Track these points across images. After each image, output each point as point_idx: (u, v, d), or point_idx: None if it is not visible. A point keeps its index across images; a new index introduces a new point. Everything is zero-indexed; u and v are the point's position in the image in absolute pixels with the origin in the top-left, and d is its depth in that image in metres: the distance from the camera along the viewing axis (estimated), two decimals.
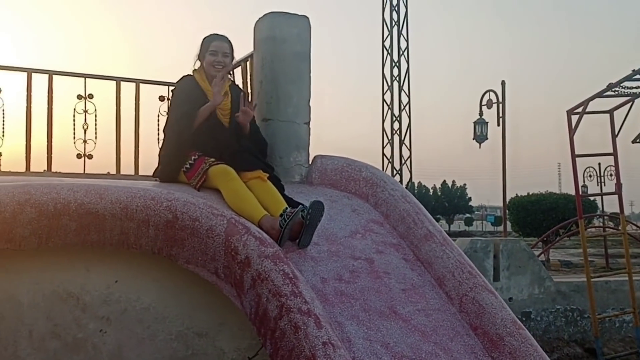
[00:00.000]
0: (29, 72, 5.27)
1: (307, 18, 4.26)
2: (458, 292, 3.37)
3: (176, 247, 3.27)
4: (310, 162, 4.24)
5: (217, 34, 3.93)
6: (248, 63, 4.70)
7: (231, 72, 4.29)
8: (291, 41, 4.16)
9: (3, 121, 5.27)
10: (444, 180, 66.67)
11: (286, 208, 3.41)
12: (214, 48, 3.85)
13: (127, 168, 5.64)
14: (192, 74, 3.94)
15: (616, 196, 7.66)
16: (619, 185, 7.73)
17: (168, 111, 4.00)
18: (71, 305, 3.38)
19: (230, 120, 3.85)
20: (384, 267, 3.48)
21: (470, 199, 67.43)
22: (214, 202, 3.44)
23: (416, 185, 65.09)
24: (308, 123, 4.23)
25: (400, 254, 3.63)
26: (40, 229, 3.02)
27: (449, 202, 64.49)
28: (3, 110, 5.24)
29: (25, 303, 3.29)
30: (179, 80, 3.94)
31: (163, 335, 3.56)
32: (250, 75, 4.53)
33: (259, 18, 4.28)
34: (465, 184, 66.57)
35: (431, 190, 66.57)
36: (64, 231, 3.08)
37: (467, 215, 70.47)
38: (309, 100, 4.23)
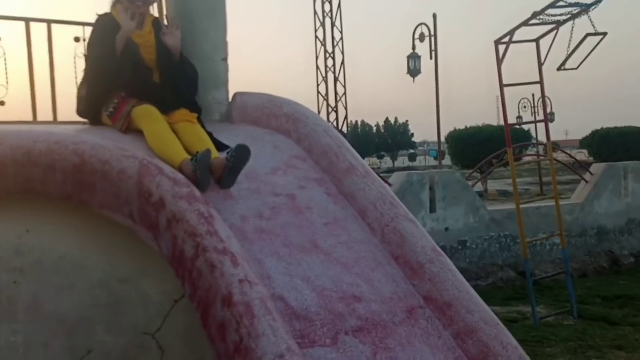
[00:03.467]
0: None
1: None
2: (380, 223, 3.38)
3: (87, 192, 3.14)
4: (230, 100, 4.12)
5: None
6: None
7: (153, 7, 4.08)
8: None
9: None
10: (387, 118, 67.36)
11: (197, 152, 3.29)
12: None
13: (45, 114, 5.39)
14: (109, 11, 3.73)
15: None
16: (545, 113, 7.89)
17: (86, 52, 3.78)
18: None
19: (156, 58, 3.68)
20: (306, 202, 3.45)
21: (412, 134, 68.45)
22: (135, 145, 3.31)
23: (359, 123, 65.68)
24: (225, 59, 4.07)
25: (322, 188, 3.60)
26: None
27: (392, 138, 65.30)
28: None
29: None
30: (96, 20, 3.72)
31: (83, 283, 3.45)
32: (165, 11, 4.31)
33: None
34: (407, 121, 67.49)
35: (374, 128, 67.14)
36: None
37: (411, 150, 71.63)
38: (225, 36, 4.07)
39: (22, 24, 5.22)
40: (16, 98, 5.37)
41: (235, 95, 4.09)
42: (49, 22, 5.28)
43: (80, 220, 3.36)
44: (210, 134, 3.60)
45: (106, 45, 3.54)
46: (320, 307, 2.82)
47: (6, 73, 5.21)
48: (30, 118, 5.30)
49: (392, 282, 3.15)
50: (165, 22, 4.03)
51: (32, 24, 5.23)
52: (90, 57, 3.68)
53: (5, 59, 5.20)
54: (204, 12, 3.97)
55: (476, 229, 9.60)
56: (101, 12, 3.76)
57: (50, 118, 5.29)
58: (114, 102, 3.54)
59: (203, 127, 3.66)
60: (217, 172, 3.35)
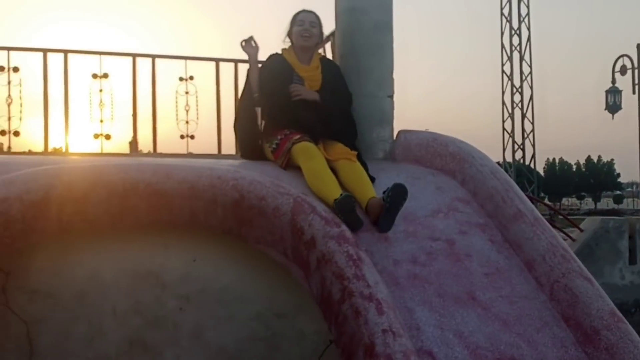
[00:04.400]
0: (134, 56, 5.47)
1: None
2: (549, 278, 3.02)
3: (245, 226, 3.21)
4: (394, 138, 4.02)
5: (304, 9, 3.87)
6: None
7: (324, 48, 4.19)
8: (371, 11, 3.94)
9: (112, 105, 5.54)
10: (589, 156, 62.43)
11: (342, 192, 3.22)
12: (301, 18, 3.83)
13: (229, 148, 5.73)
14: (280, 52, 3.89)
15: None
16: None
17: (244, 89, 3.97)
18: (151, 283, 3.45)
19: (322, 95, 3.75)
20: (466, 249, 3.20)
21: (619, 175, 62.65)
22: (293, 182, 3.35)
23: (557, 161, 61.69)
24: (391, 96, 3.99)
25: (486, 234, 3.33)
26: (111, 209, 3.09)
27: (594, 178, 60.34)
28: (111, 94, 5.50)
29: (108, 281, 3.40)
30: (267, 58, 3.90)
31: (242, 315, 3.53)
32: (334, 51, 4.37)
33: None
34: (612, 159, 61.94)
35: (574, 167, 62.65)
36: (134, 211, 3.13)
37: (617, 192, 65.60)
38: (392, 72, 3.99)
39: (213, 64, 5.64)
40: (205, 132, 5.80)
41: (399, 133, 3.99)
42: (236, 61, 5.65)
43: (241, 253, 3.45)
44: (368, 173, 3.53)
45: (273, 85, 3.67)
46: None
47: (197, 109, 5.65)
48: (215, 151, 5.69)
49: (561, 347, 2.77)
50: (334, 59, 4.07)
51: (222, 64, 5.64)
52: (261, 93, 3.82)
53: (197, 97, 5.65)
54: (370, 48, 3.94)
55: None
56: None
57: (233, 152, 5.63)
58: (277, 138, 3.62)
59: (364, 165, 3.59)
60: (373, 213, 3.25)
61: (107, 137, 5.44)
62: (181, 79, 5.60)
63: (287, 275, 3.40)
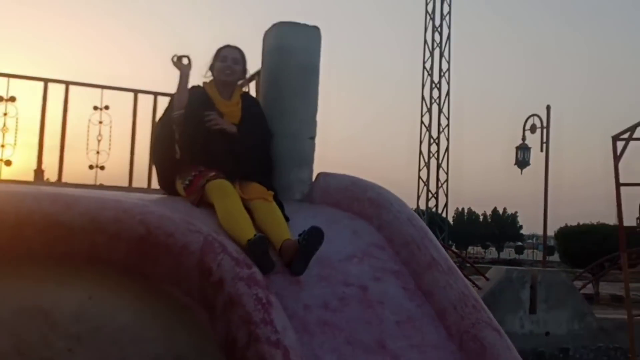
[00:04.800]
0: (46, 81, 5.19)
1: (318, 28, 4.01)
2: (459, 328, 3.00)
3: (150, 263, 3.03)
4: (313, 180, 3.95)
5: (228, 44, 3.78)
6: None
7: (247, 86, 4.10)
8: (298, 52, 3.91)
9: (17, 130, 5.20)
10: (495, 208, 65.15)
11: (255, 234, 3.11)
12: (224, 54, 3.73)
13: (140, 181, 5.49)
14: (201, 84, 3.77)
15: None
16: None
17: (160, 119, 3.81)
18: (39, 321, 3.16)
19: (240, 132, 3.63)
20: (379, 296, 3.15)
21: (521, 227, 65.64)
22: (205, 220, 3.20)
23: (466, 211, 64.01)
24: (313, 138, 3.95)
25: (400, 282, 3.29)
26: (0, 241, 2.82)
27: (499, 229, 62.93)
28: (17, 119, 5.17)
29: None
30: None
31: (138, 358, 3.29)
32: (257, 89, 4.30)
33: (268, 28, 4.06)
34: (516, 212, 64.90)
35: (481, 217, 65.12)
36: (27, 243, 2.88)
37: (519, 243, 68.60)
38: (315, 115, 3.95)
39: (132, 94, 5.43)
40: (116, 164, 5.54)
41: (318, 175, 3.93)
42: (155, 94, 5.47)
43: (141, 292, 3.24)
44: (284, 213, 3.44)
45: (191, 117, 3.54)
46: None
47: (109, 140, 5.39)
48: (126, 184, 5.43)
49: None
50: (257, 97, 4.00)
51: (141, 95, 5.44)
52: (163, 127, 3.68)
53: (111, 127, 5.40)
54: (294, 89, 3.90)
55: (581, 337, 8.71)
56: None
57: (145, 185, 5.39)
58: (191, 174, 3.48)
59: (280, 206, 3.50)
60: (287, 255, 3.15)
61: (8, 163, 5.10)
62: (95, 107, 5.37)
63: (190, 317, 3.22)
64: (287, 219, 3.44)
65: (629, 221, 7.49)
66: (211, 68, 3.76)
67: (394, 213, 3.60)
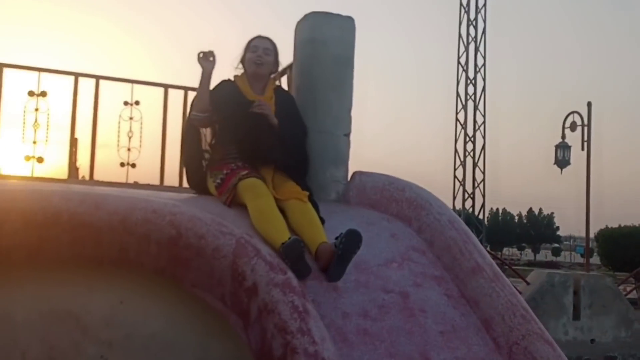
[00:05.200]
0: (76, 76, 5.12)
1: (352, 19, 3.84)
2: (508, 340, 2.81)
3: (181, 267, 2.89)
4: (348, 179, 3.78)
5: (259, 35, 3.65)
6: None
7: (279, 80, 3.96)
8: (332, 44, 3.74)
9: (48, 126, 5.14)
10: (530, 208, 64.13)
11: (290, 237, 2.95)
12: (255, 44, 3.59)
13: (172, 179, 5.40)
14: (232, 78, 3.64)
15: None
16: None
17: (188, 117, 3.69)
18: (70, 326, 3.07)
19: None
20: (421, 304, 2.97)
21: (558, 228, 64.46)
22: (237, 221, 3.06)
23: (500, 211, 63.02)
24: (348, 135, 3.78)
25: (442, 288, 3.10)
26: (28, 241, 2.73)
27: (535, 230, 61.85)
28: (48, 114, 5.11)
29: (20, 322, 3.00)
30: (216, 85, 3.64)
31: None
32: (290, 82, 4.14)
33: (300, 19, 3.90)
34: (552, 213, 63.79)
35: (516, 218, 64.10)
36: (55, 244, 2.78)
37: (555, 245, 67.41)
38: (350, 110, 3.79)
39: (162, 89, 5.33)
40: (148, 161, 5.45)
41: (354, 174, 3.76)
42: (185, 89, 5.36)
43: (174, 297, 3.12)
44: (319, 214, 3.28)
45: (224, 109, 3.41)
46: None
47: (140, 137, 5.30)
48: (157, 182, 5.33)
49: None
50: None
51: (171, 90, 5.34)
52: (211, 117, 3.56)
53: (142, 123, 5.30)
54: (329, 83, 3.73)
55: (629, 345, 8.35)
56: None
57: (176, 183, 5.29)
58: (223, 172, 3.34)
59: (316, 207, 3.34)
60: (323, 260, 2.99)
61: (40, 159, 5.03)
62: (126, 103, 5.27)
63: (224, 324, 3.08)
64: (322, 221, 3.29)
65: None
66: (242, 60, 3.62)
67: (434, 215, 3.41)
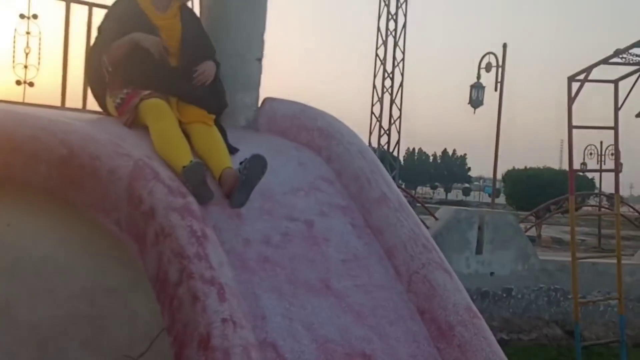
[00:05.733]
0: None
1: None
2: (408, 268, 2.84)
3: (73, 189, 2.73)
4: (259, 106, 3.66)
5: None
6: None
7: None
8: None
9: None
10: (445, 149, 66.09)
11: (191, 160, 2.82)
12: None
13: (75, 101, 5.08)
14: None
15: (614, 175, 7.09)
16: (617, 163, 7.16)
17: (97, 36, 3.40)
18: None
19: (181, 48, 3.26)
20: (325, 233, 2.94)
21: (469, 168, 66.97)
22: (137, 143, 2.89)
23: (416, 151, 64.66)
24: (260, 59, 3.63)
25: (347, 217, 3.09)
26: None
27: (448, 170, 64.03)
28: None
29: None
30: (115, 3, 3.35)
31: (63, 290, 3.02)
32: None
33: None
34: (465, 154, 66.17)
35: (431, 158, 66.00)
36: None
37: (466, 185, 70.19)
38: (263, 33, 3.62)
39: (63, 4, 4.93)
40: (48, 80, 5.09)
41: (265, 100, 3.63)
42: (90, 5, 4.99)
43: (67, 219, 2.95)
44: (227, 141, 3.16)
45: (120, 33, 3.16)
46: None
47: (39, 53, 4.92)
48: (58, 103, 5.01)
49: (413, 341, 2.60)
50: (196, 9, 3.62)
51: (74, 5, 4.95)
52: (96, 42, 3.31)
53: (40, 38, 4.91)
54: (241, 2, 3.52)
55: (524, 278, 8.84)
56: None
57: (80, 105, 4.98)
58: (123, 92, 3.13)
59: (223, 132, 3.21)
60: (227, 185, 2.89)
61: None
62: (22, 16, 4.85)
63: (120, 246, 2.95)
64: (233, 149, 3.17)
65: (576, 165, 7.50)
66: None
67: (344, 145, 3.36)
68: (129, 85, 3.14)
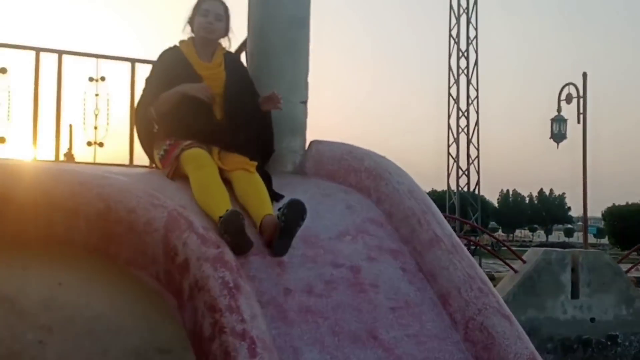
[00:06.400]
0: (37, 51, 4.90)
1: None
2: (464, 315, 2.60)
3: (114, 244, 2.70)
4: (305, 149, 3.56)
5: None
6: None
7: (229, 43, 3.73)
8: (287, 4, 3.49)
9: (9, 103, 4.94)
10: (541, 189, 63.46)
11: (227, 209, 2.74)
12: (206, 7, 3.30)
13: (143, 158, 5.21)
14: (177, 44, 3.40)
15: None
16: None
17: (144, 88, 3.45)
18: (5, 310, 2.89)
19: (224, 97, 3.26)
20: (373, 279, 2.76)
21: (569, 208, 63.80)
22: (176, 194, 2.85)
23: (511, 192, 62.44)
24: (305, 102, 3.55)
25: (398, 262, 2.89)
26: None
27: (546, 211, 61.26)
28: (9, 92, 4.91)
29: None
30: (160, 56, 3.41)
31: (116, 350, 2.98)
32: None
33: None
34: (564, 193, 63.12)
35: (527, 199, 63.55)
36: None
37: (568, 225, 66.86)
38: (307, 76, 3.55)
39: (128, 64, 5.12)
40: (116, 140, 5.26)
41: (311, 143, 3.53)
42: (153, 63, 5.14)
43: (114, 277, 2.93)
44: (270, 188, 3.07)
45: (165, 83, 3.18)
46: None
47: (107, 114, 5.10)
48: (127, 162, 5.14)
49: None
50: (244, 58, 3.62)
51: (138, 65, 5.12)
52: (143, 95, 3.35)
53: (108, 100, 5.10)
54: (283, 46, 3.48)
55: (631, 324, 8.11)
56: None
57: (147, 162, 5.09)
58: (166, 143, 3.13)
59: (267, 179, 3.13)
60: (267, 233, 2.78)
61: (1, 140, 4.86)
62: (91, 79, 5.07)
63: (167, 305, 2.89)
64: (275, 194, 3.07)
65: None
66: (190, 22, 3.36)
67: (393, 184, 3.19)
68: (171, 136, 3.14)
